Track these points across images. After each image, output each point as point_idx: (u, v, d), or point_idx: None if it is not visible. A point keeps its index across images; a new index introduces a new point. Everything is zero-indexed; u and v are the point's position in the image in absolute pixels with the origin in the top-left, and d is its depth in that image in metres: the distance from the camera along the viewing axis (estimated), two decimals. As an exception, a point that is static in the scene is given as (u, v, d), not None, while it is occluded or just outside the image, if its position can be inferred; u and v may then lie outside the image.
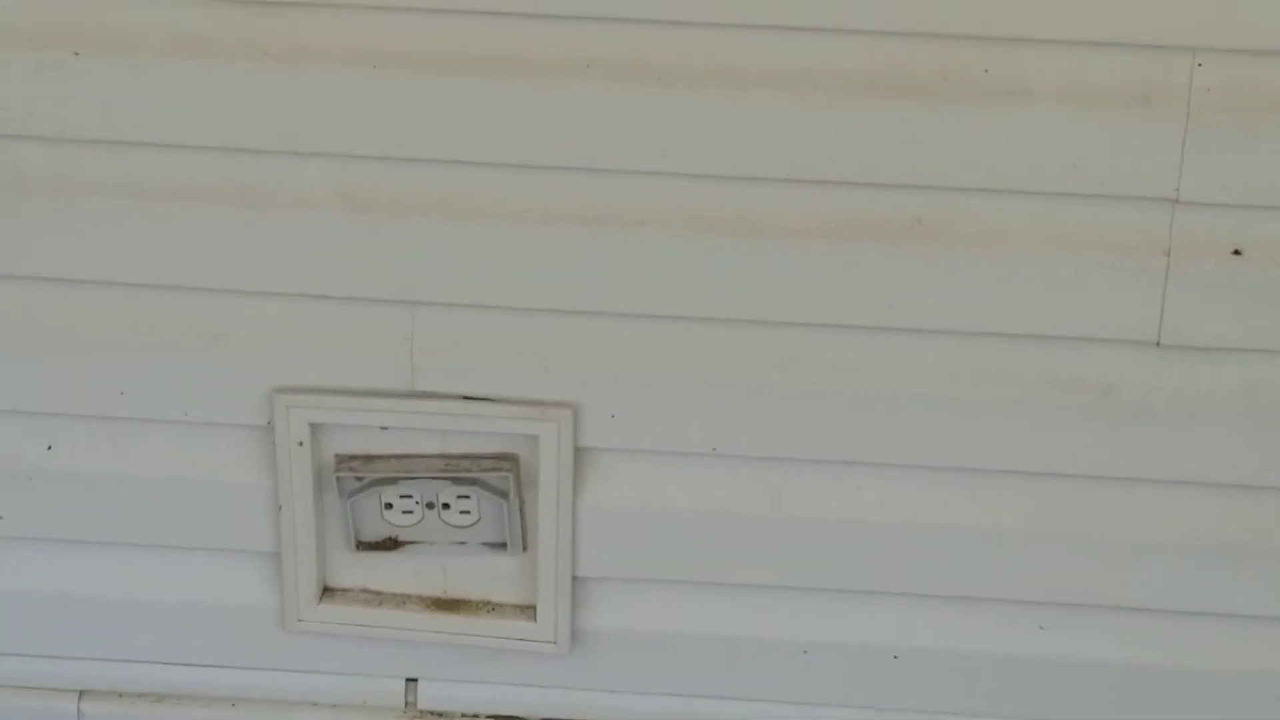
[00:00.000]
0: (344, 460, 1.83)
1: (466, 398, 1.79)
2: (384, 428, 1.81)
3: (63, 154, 1.70)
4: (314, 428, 1.80)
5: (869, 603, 1.87)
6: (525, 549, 1.86)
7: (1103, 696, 1.90)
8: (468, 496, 1.84)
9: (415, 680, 1.94)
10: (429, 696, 1.94)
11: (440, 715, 1.95)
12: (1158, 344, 1.72)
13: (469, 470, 1.83)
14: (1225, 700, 1.89)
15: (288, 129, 1.66)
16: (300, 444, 1.80)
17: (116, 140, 1.69)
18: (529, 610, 1.89)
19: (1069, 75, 1.62)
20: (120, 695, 1.95)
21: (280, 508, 1.84)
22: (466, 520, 1.85)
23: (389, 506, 1.84)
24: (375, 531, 1.86)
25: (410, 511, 1.85)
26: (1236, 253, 1.67)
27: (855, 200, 1.68)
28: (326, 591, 1.90)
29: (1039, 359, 1.74)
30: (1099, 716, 1.90)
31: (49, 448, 1.83)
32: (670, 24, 1.62)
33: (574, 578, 1.86)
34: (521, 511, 1.84)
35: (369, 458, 1.83)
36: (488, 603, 1.91)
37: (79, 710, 1.94)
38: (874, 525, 1.82)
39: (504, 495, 1.83)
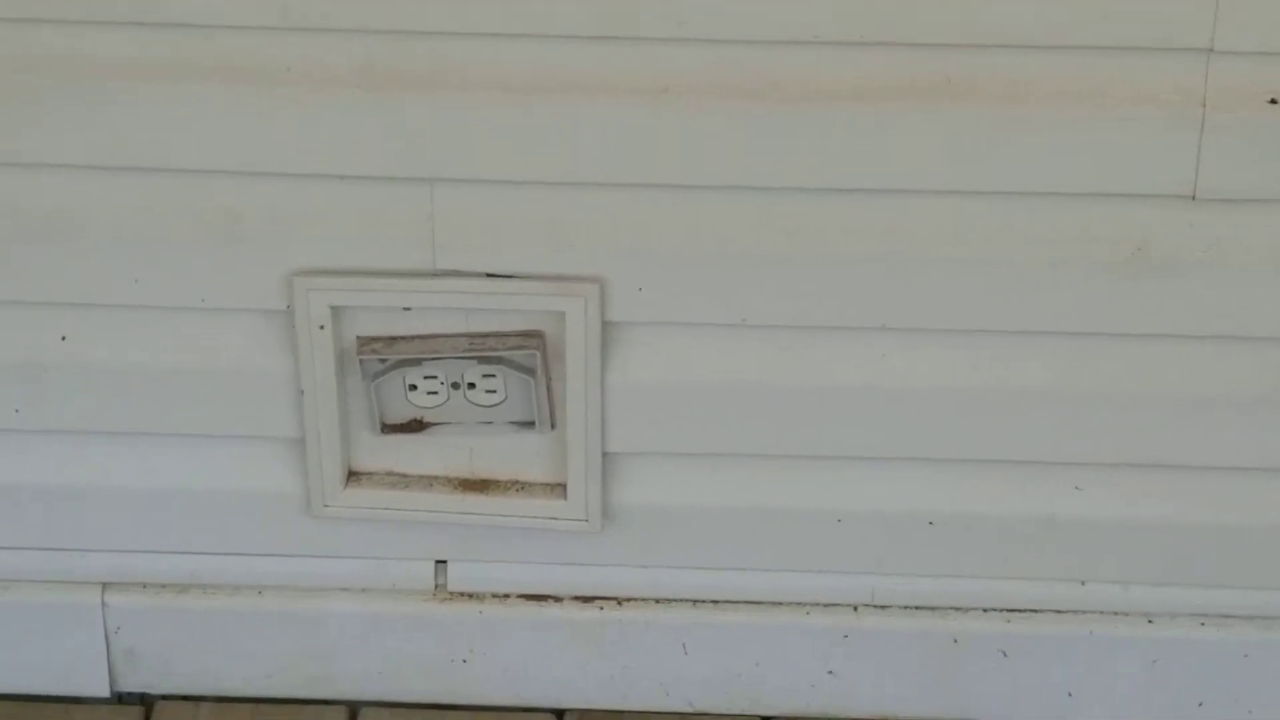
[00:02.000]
0: (366, 342, 1.82)
1: (490, 275, 1.78)
2: (406, 308, 1.80)
3: (71, 34, 1.66)
4: (335, 310, 1.79)
5: (902, 469, 1.87)
6: (553, 426, 1.86)
7: (1140, 556, 1.90)
8: (493, 375, 1.83)
9: (445, 562, 1.95)
10: (459, 578, 1.95)
11: (471, 596, 1.95)
12: (1193, 198, 1.70)
13: (494, 349, 1.82)
14: (1265, 555, 1.90)
15: (302, 4, 1.63)
16: (321, 327, 1.79)
17: (126, 21, 1.65)
18: (559, 488, 1.89)
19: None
20: (144, 586, 1.95)
21: (303, 392, 1.83)
22: (493, 399, 1.85)
23: (413, 388, 1.84)
24: (400, 413, 1.86)
25: (435, 392, 1.84)
26: (1273, 101, 1.65)
27: (882, 60, 1.66)
28: (352, 475, 1.89)
29: (1072, 217, 1.73)
30: (1137, 576, 1.91)
31: (63, 338, 1.82)
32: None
33: (604, 454, 1.86)
34: (549, 389, 1.83)
35: (392, 339, 1.82)
36: (516, 482, 1.90)
37: (103, 602, 1.94)
38: (905, 391, 1.82)
39: (530, 373, 1.82)
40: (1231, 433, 1.84)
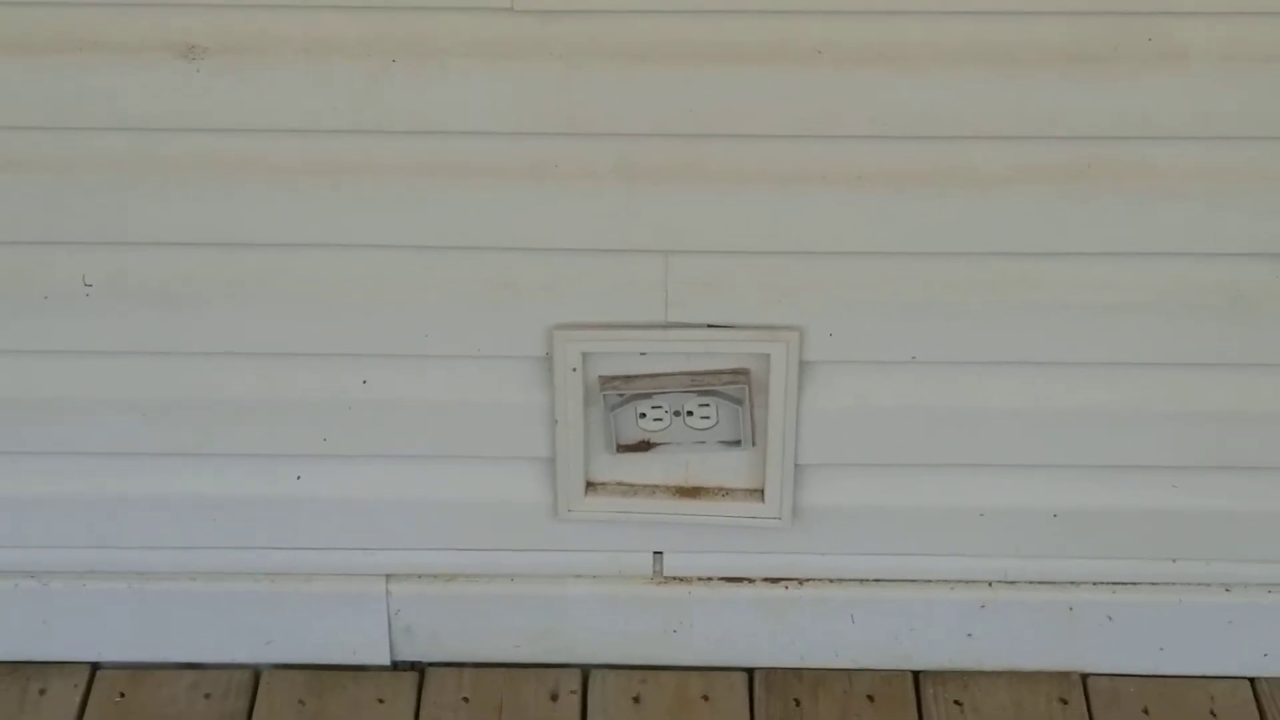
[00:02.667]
0: (608, 381, 1.78)
1: (710, 325, 1.73)
2: (642, 353, 1.76)
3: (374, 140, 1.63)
4: (585, 356, 1.75)
5: (1032, 474, 1.83)
6: (755, 444, 1.81)
7: (1219, 538, 1.86)
8: (708, 405, 1.79)
9: (661, 553, 1.91)
10: (672, 566, 1.91)
11: (682, 580, 1.91)
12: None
13: (710, 384, 1.78)
14: None
15: (573, 116, 1.60)
16: (574, 370, 1.75)
17: (421, 130, 1.62)
18: (757, 493, 1.84)
19: (1222, 40, 1.56)
20: (421, 577, 1.90)
21: (556, 421, 1.79)
22: (706, 424, 1.80)
23: (643, 416, 1.80)
24: (631, 436, 1.82)
25: (660, 419, 1.80)
26: None
27: (1035, 151, 1.62)
28: (590, 486, 1.85)
29: (1183, 270, 1.69)
30: (1217, 554, 1.87)
31: (364, 382, 1.77)
32: (884, 14, 1.56)
33: (796, 465, 1.82)
34: (752, 415, 1.79)
35: (629, 378, 1.78)
36: (722, 489, 1.86)
37: (387, 591, 1.90)
38: (1037, 411, 1.78)
39: (739, 403, 1.78)
40: (1271, 441, 1.79)
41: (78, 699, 1.90)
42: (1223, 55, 1.57)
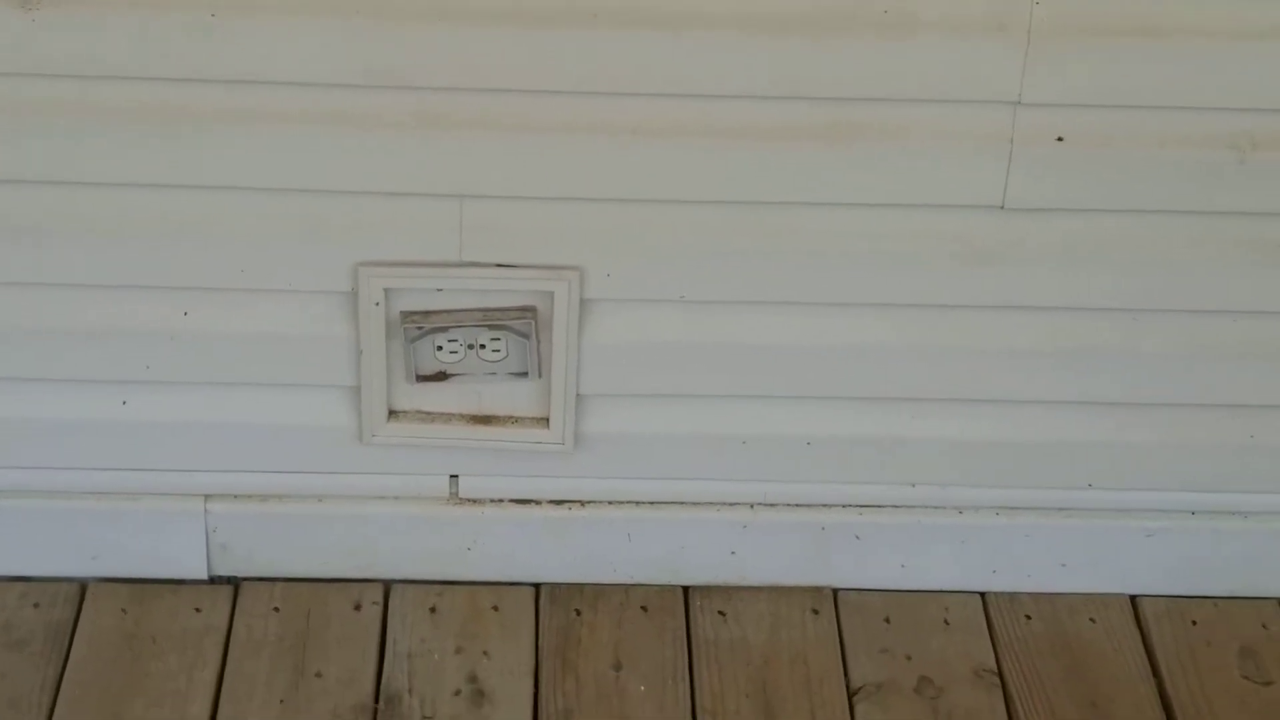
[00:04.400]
0: (408, 315, 1.86)
1: (500, 265, 1.82)
2: (439, 289, 1.84)
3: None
4: (387, 292, 1.83)
5: (789, 404, 1.93)
6: (541, 376, 1.90)
7: (955, 464, 1.97)
8: (499, 339, 1.87)
9: (457, 476, 1.98)
10: (467, 488, 1.98)
11: (475, 502, 1.99)
12: (1002, 207, 1.80)
13: (500, 319, 1.86)
14: (1033, 466, 1.99)
15: (372, 68, 1.68)
16: (377, 304, 1.83)
17: (240, 79, 1.70)
18: (544, 421, 1.93)
19: (948, 12, 1.68)
20: (236, 497, 1.97)
21: (361, 352, 1.86)
22: (497, 357, 1.89)
23: (439, 348, 1.87)
24: (429, 367, 1.89)
25: (456, 351, 1.88)
26: (1059, 139, 1.75)
27: (792, 109, 1.72)
28: (392, 413, 1.92)
29: (919, 222, 1.80)
30: (953, 480, 1.98)
31: (185, 313, 1.84)
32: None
33: (578, 395, 1.90)
34: (539, 349, 1.88)
35: (427, 313, 1.86)
36: (512, 417, 1.94)
37: (205, 509, 1.96)
38: (795, 347, 1.88)
39: (526, 337, 1.87)
40: (1002, 376, 1.91)
41: (-88, 607, 1.96)
42: (949, 26, 1.69)
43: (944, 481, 2.00)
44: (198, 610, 1.97)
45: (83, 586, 1.98)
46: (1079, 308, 1.86)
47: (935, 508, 2.01)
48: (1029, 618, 2.02)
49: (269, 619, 1.97)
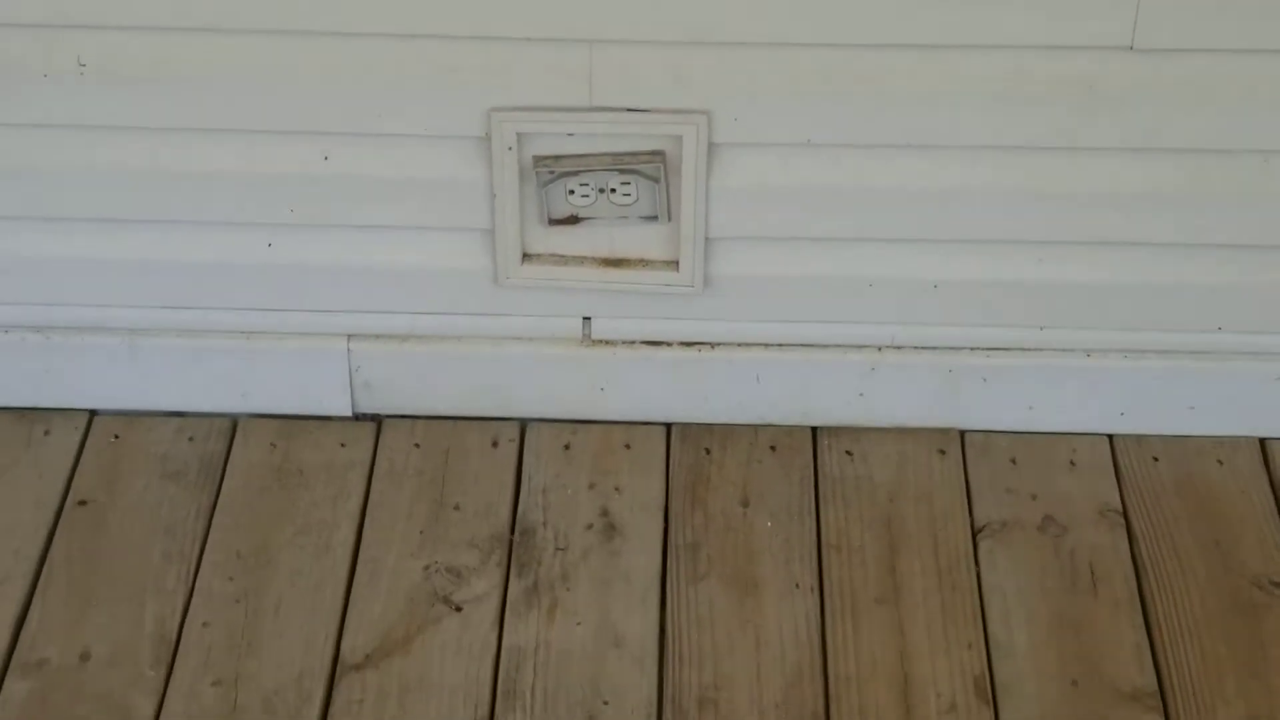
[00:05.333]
0: (540, 160, 1.88)
1: (629, 109, 1.84)
2: (570, 134, 1.86)
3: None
4: (519, 136, 1.85)
5: (916, 248, 1.94)
6: (670, 219, 1.92)
7: (1081, 308, 1.97)
8: (629, 183, 1.90)
9: (589, 318, 2.01)
10: (599, 330, 2.02)
11: (607, 343, 2.02)
12: (1131, 48, 1.78)
13: (630, 163, 1.88)
14: (1138, 307, 1.99)
15: None
16: (510, 149, 1.86)
17: None
18: (673, 264, 1.95)
19: None
20: (378, 337, 2.02)
21: (494, 195, 1.90)
22: (628, 200, 1.91)
23: (571, 192, 1.90)
24: (561, 211, 1.92)
25: (587, 195, 1.91)
26: None
27: None
28: (526, 256, 1.95)
29: (1043, 62, 1.79)
30: (1080, 322, 1.98)
31: (325, 158, 1.88)
32: None
33: (706, 238, 1.93)
34: (668, 192, 1.90)
35: (558, 157, 1.88)
36: (643, 259, 1.96)
37: (348, 349, 2.02)
38: (922, 191, 1.88)
39: (656, 180, 1.89)
40: (1132, 219, 1.91)
41: (77, 440, 2.03)
42: None
43: (1072, 324, 2.00)
44: (342, 445, 2.04)
45: (234, 421, 2.06)
46: (1208, 149, 1.84)
47: (1063, 350, 2.01)
48: (1156, 459, 2.03)
49: (410, 454, 2.03)
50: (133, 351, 2.03)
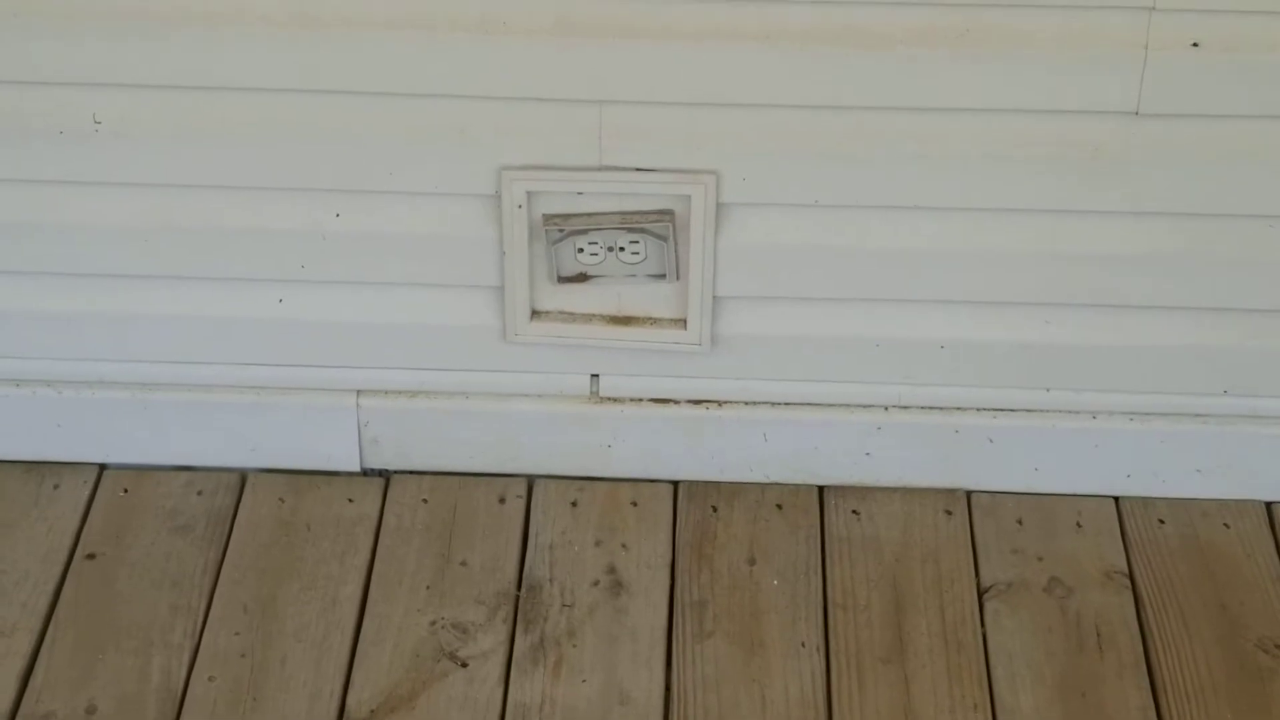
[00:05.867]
0: (550, 218, 1.89)
1: (638, 169, 1.85)
2: (579, 193, 1.87)
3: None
4: (529, 195, 1.86)
5: (923, 309, 1.94)
6: (678, 278, 1.93)
7: (1088, 370, 1.97)
8: (638, 241, 1.90)
9: (597, 375, 2.02)
10: (607, 387, 2.02)
11: (615, 400, 2.03)
12: (1137, 113, 1.79)
13: (639, 222, 1.89)
14: (1153, 370, 1.99)
15: None
16: (519, 206, 1.87)
17: None
18: (681, 322, 1.96)
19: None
20: (387, 393, 2.03)
21: (504, 253, 1.90)
22: (636, 259, 1.92)
23: (580, 250, 1.91)
24: (570, 269, 1.93)
25: (596, 254, 1.91)
26: (1195, 45, 1.74)
27: (922, 14, 1.73)
28: (535, 313, 1.96)
29: (1051, 125, 1.80)
30: (1087, 384, 1.98)
31: (337, 215, 1.89)
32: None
33: (714, 297, 1.93)
34: (676, 251, 1.91)
35: (567, 215, 1.89)
36: (651, 318, 1.97)
37: (358, 405, 2.02)
38: (929, 252, 1.89)
39: (664, 239, 1.90)
40: (1138, 282, 1.91)
41: (87, 493, 2.04)
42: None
43: (1078, 386, 1.99)
44: (350, 500, 2.04)
45: (243, 476, 2.06)
46: (1213, 214, 1.85)
47: (1069, 412, 2.01)
48: (1162, 522, 2.02)
49: (418, 510, 2.03)
50: (143, 406, 2.04)
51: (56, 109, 1.83)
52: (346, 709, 1.82)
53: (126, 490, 2.04)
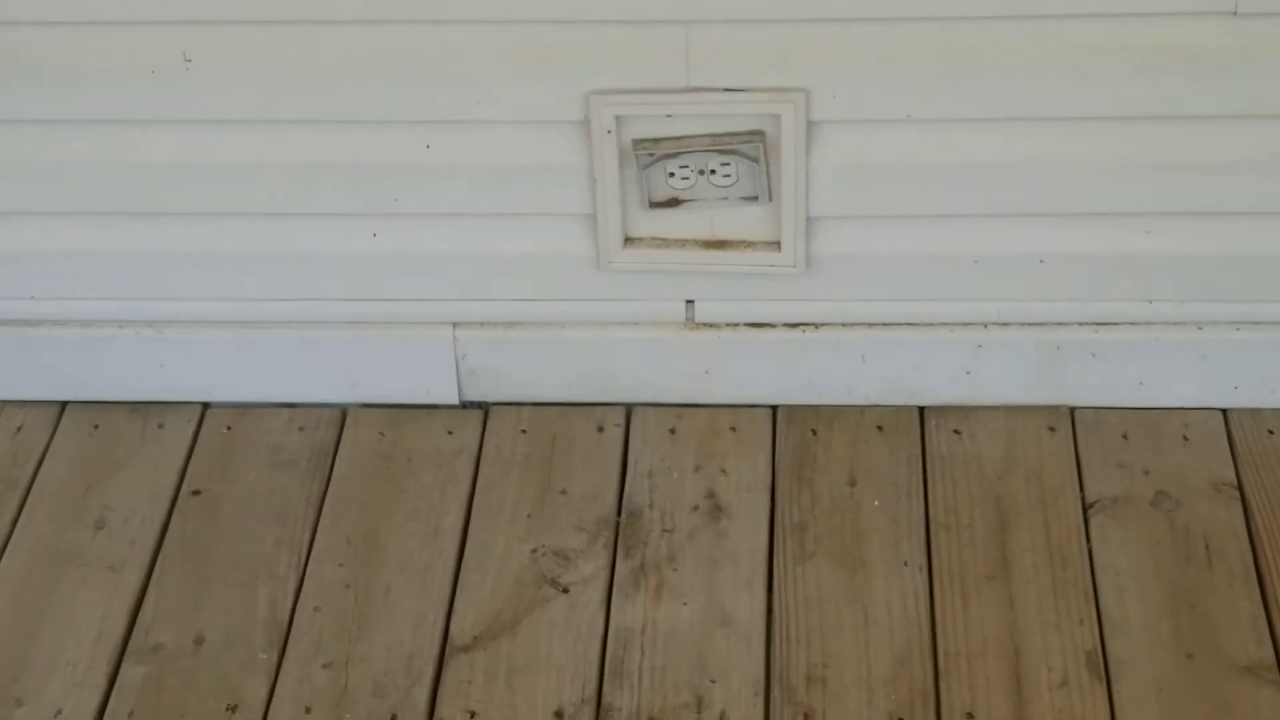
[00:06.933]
0: (639, 142, 1.87)
1: (727, 89, 1.83)
2: (668, 115, 1.85)
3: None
4: (618, 119, 1.85)
5: (1020, 223, 1.91)
6: (771, 199, 1.91)
7: (1190, 280, 1.93)
8: (729, 163, 1.88)
9: (693, 301, 2.00)
10: (703, 312, 2.00)
11: (711, 325, 2.01)
12: (1235, 13, 1.74)
13: (729, 144, 1.87)
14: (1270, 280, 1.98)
15: None
16: (609, 132, 1.85)
17: None
18: (775, 244, 1.93)
19: None
20: (483, 324, 2.02)
21: (594, 180, 1.89)
22: (728, 182, 1.89)
23: (671, 175, 1.89)
24: (662, 194, 1.91)
25: (687, 178, 1.89)
26: None
27: None
28: (628, 240, 1.94)
29: (1148, 30, 1.75)
30: (1189, 295, 1.94)
31: (428, 146, 1.88)
32: None
33: (808, 217, 1.91)
34: (768, 172, 1.88)
35: (657, 139, 1.87)
36: (745, 241, 1.94)
37: (454, 337, 2.02)
38: (1024, 163, 1.85)
39: (755, 160, 1.87)
40: (1239, 188, 1.86)
41: (191, 431, 2.05)
42: None
43: (1182, 297, 1.96)
44: (450, 433, 2.04)
45: (344, 411, 2.07)
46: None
47: (1173, 324, 1.97)
48: (1271, 432, 1.98)
49: (517, 440, 2.03)
50: (243, 344, 2.05)
51: (146, 48, 1.83)
52: (450, 636, 1.82)
53: (229, 428, 2.06)
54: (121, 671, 1.81)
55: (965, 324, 1.99)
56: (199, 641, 1.83)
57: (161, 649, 1.82)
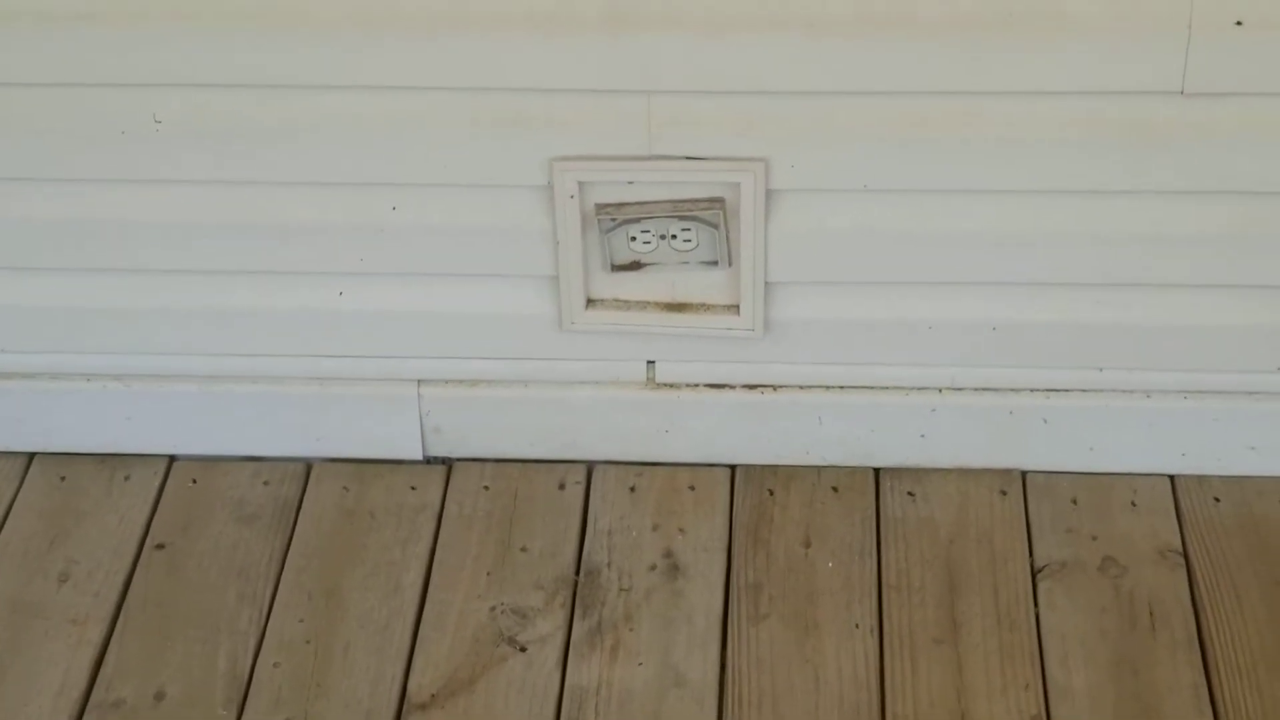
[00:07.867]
0: (602, 207, 1.89)
1: (688, 158, 1.85)
2: (630, 182, 1.87)
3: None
4: (581, 185, 1.87)
5: (973, 290, 1.93)
6: (730, 264, 1.93)
7: (1142, 350, 1.95)
8: (689, 229, 1.90)
9: (654, 362, 2.02)
10: (664, 373, 2.02)
11: (672, 386, 2.03)
12: (1181, 93, 1.77)
13: (690, 210, 1.89)
14: (1209, 349, 1.97)
15: None
16: (572, 197, 1.87)
17: None
18: (734, 308, 1.96)
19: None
20: (447, 382, 2.04)
21: (558, 243, 1.91)
22: (688, 246, 1.92)
23: (633, 239, 1.91)
24: (624, 257, 1.93)
25: (649, 242, 1.91)
26: (1238, 23, 1.72)
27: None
28: (590, 302, 1.97)
29: (1096, 106, 1.78)
30: (1140, 364, 1.96)
31: (394, 208, 1.90)
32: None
33: (766, 283, 1.93)
34: (728, 238, 1.91)
35: (620, 205, 1.89)
36: (704, 304, 1.97)
37: (419, 394, 2.04)
38: (974, 234, 1.88)
39: (715, 227, 1.90)
40: (1187, 261, 1.89)
41: (157, 484, 2.06)
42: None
43: (1131, 365, 1.98)
44: (413, 488, 2.05)
45: (308, 466, 2.09)
46: (1261, 191, 1.83)
47: (1123, 391, 2.00)
48: (1217, 500, 2.01)
49: (479, 497, 2.04)
50: (210, 398, 2.07)
51: (118, 110, 1.85)
52: (408, 693, 1.84)
53: (195, 481, 2.07)
54: (83, 726, 1.83)
55: (920, 388, 2.02)
56: (159, 697, 1.84)
57: (122, 704, 1.83)
